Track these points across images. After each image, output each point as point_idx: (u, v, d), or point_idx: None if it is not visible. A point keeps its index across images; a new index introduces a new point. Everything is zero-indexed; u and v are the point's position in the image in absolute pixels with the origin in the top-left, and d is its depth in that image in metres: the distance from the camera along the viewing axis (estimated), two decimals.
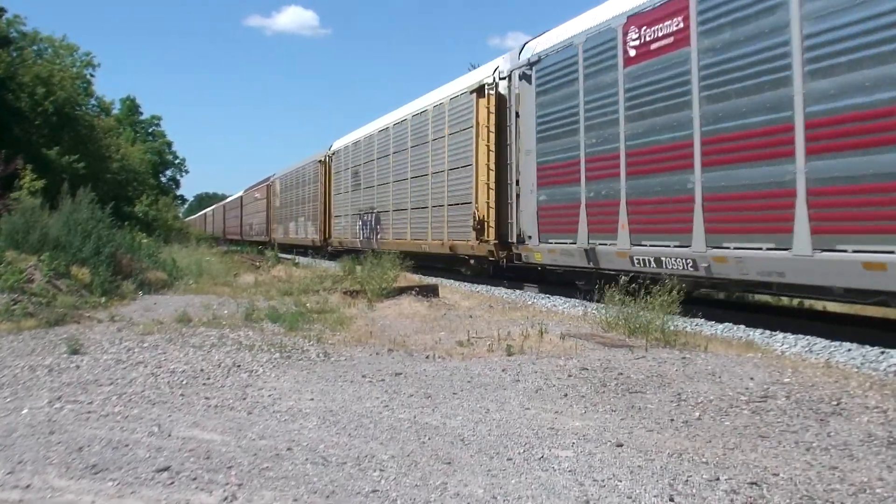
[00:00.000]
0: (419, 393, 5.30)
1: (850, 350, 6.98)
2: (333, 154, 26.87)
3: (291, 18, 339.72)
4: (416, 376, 5.87)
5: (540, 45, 12.40)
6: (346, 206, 24.90)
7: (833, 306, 9.87)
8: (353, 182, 23.83)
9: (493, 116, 14.07)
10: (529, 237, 12.60)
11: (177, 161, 72.72)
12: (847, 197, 6.89)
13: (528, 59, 12.46)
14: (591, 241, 10.74)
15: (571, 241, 11.23)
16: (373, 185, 21.59)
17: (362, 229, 22.71)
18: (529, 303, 11.66)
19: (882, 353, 6.74)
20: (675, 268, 9.06)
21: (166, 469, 3.61)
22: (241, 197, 53.15)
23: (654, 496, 3.31)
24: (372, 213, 21.59)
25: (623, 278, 8.40)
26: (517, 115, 13.11)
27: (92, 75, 37.65)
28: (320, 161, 28.43)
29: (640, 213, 9.76)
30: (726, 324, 8.74)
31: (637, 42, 9.72)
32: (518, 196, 13.05)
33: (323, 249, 27.36)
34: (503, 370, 6.02)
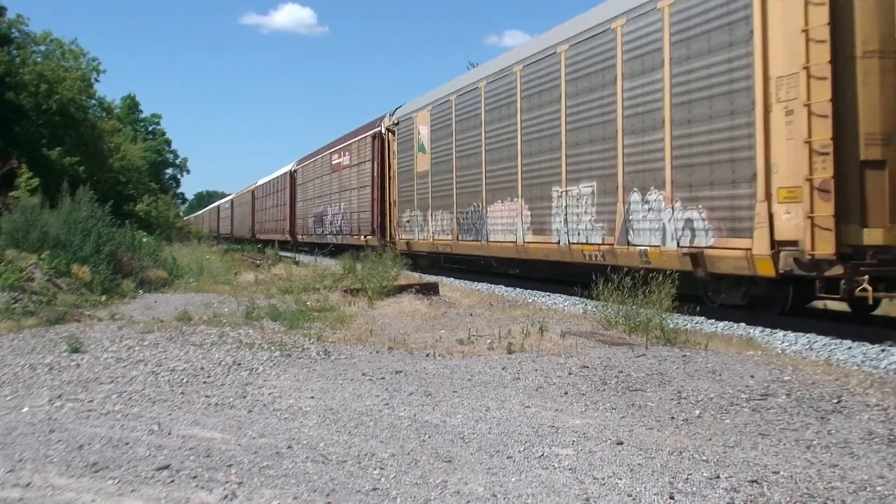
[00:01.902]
0: (419, 391, 5.29)
1: (850, 348, 6.97)
2: None
3: (288, 16, 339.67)
4: (416, 374, 5.87)
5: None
6: None
7: (833, 304, 9.85)
8: None
9: None
10: None
11: (178, 161, 72.95)
12: None
13: None
14: None
15: None
16: None
17: None
18: (530, 301, 11.66)
19: (882, 350, 6.73)
20: None
21: (166, 467, 3.60)
22: (291, 173, 33.55)
23: (655, 494, 3.30)
24: None
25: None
26: None
27: (97, 80, 37.62)
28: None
29: None
30: (726, 322, 8.73)
31: None
32: None
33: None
34: (503, 368, 6.02)
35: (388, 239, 19.99)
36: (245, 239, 42.16)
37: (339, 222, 24.95)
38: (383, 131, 20.49)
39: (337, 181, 25.52)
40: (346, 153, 24.44)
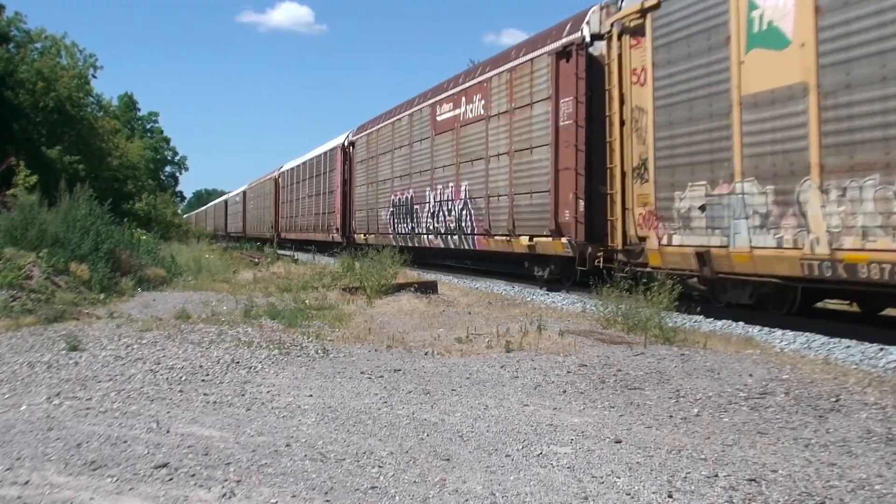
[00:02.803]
0: (418, 389, 5.29)
1: (848, 347, 6.98)
2: None
3: (286, 15, 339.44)
4: (414, 373, 5.87)
5: None
6: None
7: (833, 304, 9.87)
8: None
9: None
10: None
11: (176, 158, 73.06)
12: None
13: None
14: None
15: None
16: None
17: None
18: (528, 299, 11.66)
19: (881, 349, 6.74)
20: None
21: (165, 465, 3.60)
22: (344, 147, 25.00)
23: (653, 492, 3.31)
24: None
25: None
26: None
27: (94, 76, 37.61)
28: None
29: None
30: (725, 320, 8.74)
31: None
32: None
33: None
34: (502, 367, 6.02)
35: (610, 245, 10.48)
36: (264, 239, 34.44)
37: (454, 214, 16.03)
38: (588, 39, 11.21)
39: (448, 148, 16.44)
40: (474, 98, 15.09)
